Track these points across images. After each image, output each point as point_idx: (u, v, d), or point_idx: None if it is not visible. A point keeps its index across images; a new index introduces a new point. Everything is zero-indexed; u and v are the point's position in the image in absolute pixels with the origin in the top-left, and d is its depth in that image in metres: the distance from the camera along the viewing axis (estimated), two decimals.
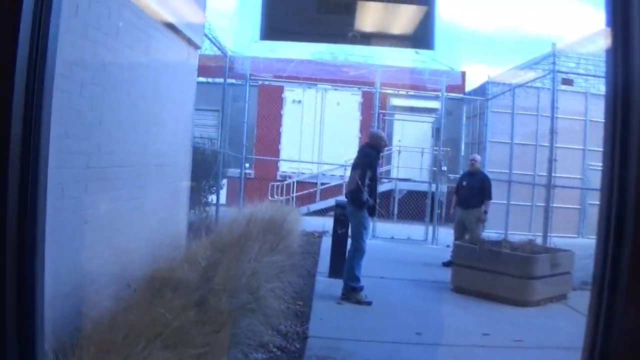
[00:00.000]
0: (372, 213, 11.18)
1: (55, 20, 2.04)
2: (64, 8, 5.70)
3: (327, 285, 11.42)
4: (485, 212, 14.34)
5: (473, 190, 14.37)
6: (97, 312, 6.18)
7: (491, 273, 11.16)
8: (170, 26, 9.59)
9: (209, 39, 14.81)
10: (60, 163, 6.06)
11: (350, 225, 11.30)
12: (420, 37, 3.66)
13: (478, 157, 15.51)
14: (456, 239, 14.16)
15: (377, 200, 11.90)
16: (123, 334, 5.23)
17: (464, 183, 14.81)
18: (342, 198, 12.89)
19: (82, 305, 6.54)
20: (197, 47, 11.44)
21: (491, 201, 14.69)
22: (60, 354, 5.12)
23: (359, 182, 10.53)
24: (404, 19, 3.63)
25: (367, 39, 3.70)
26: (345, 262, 11.01)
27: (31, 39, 1.93)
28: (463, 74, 24.28)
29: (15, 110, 1.89)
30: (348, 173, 12.65)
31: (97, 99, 6.98)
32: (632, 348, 1.87)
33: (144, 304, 6.13)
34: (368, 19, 3.60)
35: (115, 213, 7.80)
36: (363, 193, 10.52)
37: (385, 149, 14.76)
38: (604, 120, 1.98)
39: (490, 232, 15.28)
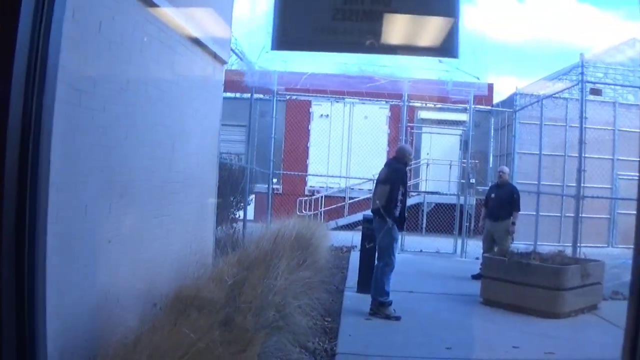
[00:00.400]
0: (400, 227, 11.08)
1: (56, 30, 1.98)
2: (86, 25, 5.67)
3: (356, 300, 11.36)
4: (513, 223, 14.22)
5: (502, 202, 14.31)
6: (121, 331, 6.13)
7: (521, 285, 11.08)
8: (196, 41, 9.57)
9: (236, 53, 14.81)
10: (83, 180, 6.03)
11: (378, 239, 11.18)
12: (443, 44, 3.59)
13: (506, 169, 15.43)
14: (485, 251, 14.12)
15: (406, 215, 11.78)
16: (147, 354, 5.17)
17: (493, 195, 14.76)
18: (370, 213, 12.76)
19: (105, 325, 6.50)
20: (223, 62, 11.40)
21: (520, 213, 14.58)
22: None
23: (392, 198, 10.45)
24: (426, 27, 3.56)
25: (386, 47, 3.63)
26: (373, 277, 10.92)
27: (30, 49, 1.88)
28: (490, 85, 24.24)
29: (12, 122, 1.83)
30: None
31: (121, 116, 6.95)
32: None
33: (169, 323, 6.08)
34: (386, 26, 3.52)
35: (139, 230, 7.76)
36: (396, 209, 10.44)
37: (412, 162, 14.69)
38: (634, 130, 1.92)
39: (519, 244, 15.25)
